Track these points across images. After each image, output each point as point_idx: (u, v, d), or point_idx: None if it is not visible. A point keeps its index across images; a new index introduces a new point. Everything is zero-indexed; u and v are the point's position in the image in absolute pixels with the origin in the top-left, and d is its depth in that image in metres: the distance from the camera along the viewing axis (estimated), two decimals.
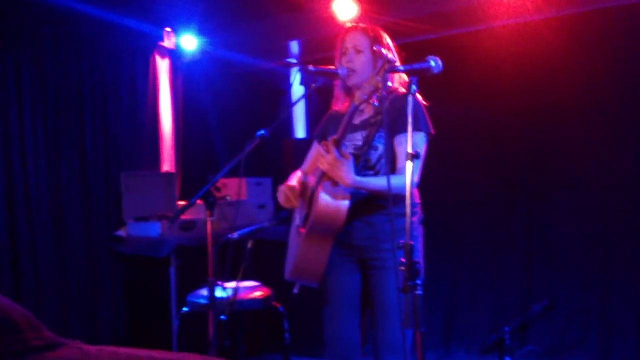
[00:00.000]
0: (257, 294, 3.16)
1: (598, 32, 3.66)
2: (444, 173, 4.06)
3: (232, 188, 4.14)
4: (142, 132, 4.28)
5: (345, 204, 2.13)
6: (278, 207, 4.51)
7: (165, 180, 4.25)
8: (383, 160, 2.23)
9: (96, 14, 3.74)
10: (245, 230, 2.98)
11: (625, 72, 3.63)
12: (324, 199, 2.12)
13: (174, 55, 4.51)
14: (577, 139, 3.81)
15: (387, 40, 2.36)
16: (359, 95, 2.08)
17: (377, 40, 2.30)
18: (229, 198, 3.97)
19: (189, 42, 4.37)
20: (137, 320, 4.03)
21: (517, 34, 3.80)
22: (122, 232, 3.97)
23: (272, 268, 2.74)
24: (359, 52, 2.29)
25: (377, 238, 2.24)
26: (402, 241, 1.69)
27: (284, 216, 3.16)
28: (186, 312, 3.17)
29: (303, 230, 2.24)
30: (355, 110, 2.13)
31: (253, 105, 4.87)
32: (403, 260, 1.67)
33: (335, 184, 2.14)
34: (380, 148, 2.24)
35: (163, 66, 4.49)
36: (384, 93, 2.04)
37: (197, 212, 3.85)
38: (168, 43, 4.41)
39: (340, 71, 2.32)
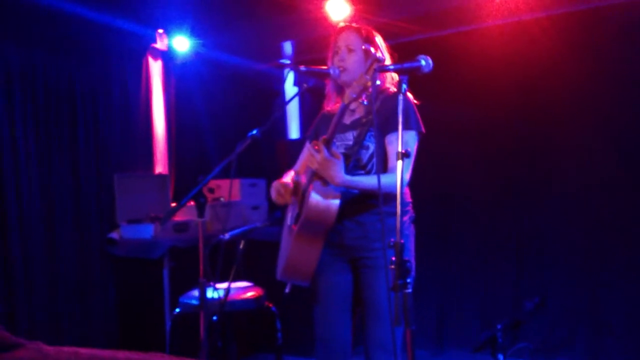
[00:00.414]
0: (250, 294, 3.16)
1: (589, 31, 3.68)
2: (435, 172, 4.08)
3: (226, 189, 4.14)
4: (135, 134, 4.27)
5: (335, 202, 2.13)
6: (272, 207, 4.54)
7: (158, 182, 4.25)
8: (374, 160, 2.23)
9: (88, 15, 3.73)
10: (237, 231, 2.98)
11: (617, 71, 3.64)
12: (315, 198, 2.12)
13: (167, 56, 4.50)
14: (568, 138, 3.83)
15: (379, 40, 2.37)
16: (348, 94, 2.08)
17: (369, 40, 2.31)
18: (222, 199, 3.97)
19: (182, 44, 4.36)
20: (130, 322, 4.02)
21: (508, 33, 3.81)
22: (115, 234, 3.95)
23: (265, 268, 2.74)
24: (350, 50, 2.30)
25: (367, 237, 2.24)
26: (392, 240, 1.69)
27: (277, 216, 3.16)
28: (178, 313, 3.16)
29: (294, 229, 2.24)
30: (345, 109, 2.13)
31: (246, 106, 4.86)
32: (393, 258, 1.67)
33: (325, 183, 2.14)
34: (371, 147, 2.24)
35: (155, 67, 4.48)
36: (373, 91, 2.04)
37: (190, 213, 3.85)
38: (160, 44, 4.41)
39: (331, 70, 2.32)
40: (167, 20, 4.24)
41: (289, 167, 2.57)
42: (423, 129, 2.27)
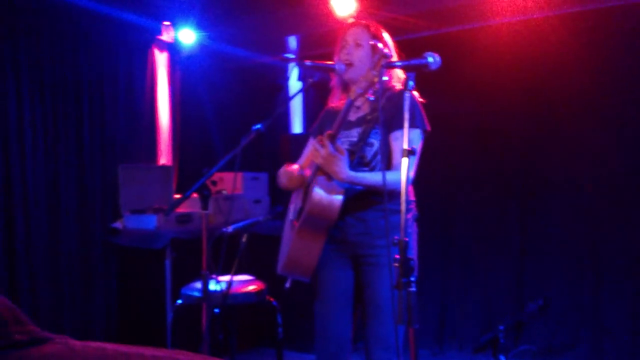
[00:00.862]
0: (251, 287, 3.17)
1: (598, 31, 3.66)
2: (439, 170, 4.07)
3: (229, 182, 4.15)
4: (140, 125, 4.28)
5: (338, 198, 2.13)
6: (273, 201, 4.54)
7: (162, 173, 4.26)
8: (378, 157, 2.23)
9: (95, 7, 3.74)
10: (240, 224, 2.98)
11: (625, 71, 3.63)
12: (318, 192, 2.12)
13: (172, 48, 4.50)
14: (574, 137, 3.82)
15: (387, 37, 2.36)
16: (354, 90, 2.07)
17: (377, 37, 2.30)
18: (224, 192, 3.98)
19: (187, 36, 4.36)
20: (131, 313, 4.03)
21: (516, 31, 3.80)
22: (118, 224, 3.97)
23: (267, 262, 2.74)
24: (358, 45, 2.30)
25: (369, 234, 2.24)
26: (396, 237, 1.68)
27: (279, 210, 3.16)
28: (180, 304, 3.17)
29: (296, 224, 2.24)
30: (351, 104, 2.13)
31: (250, 100, 4.86)
32: (397, 256, 1.67)
33: (329, 178, 2.14)
34: (376, 144, 2.24)
35: (161, 60, 4.48)
36: (379, 87, 2.04)
37: (193, 205, 3.86)
38: (166, 37, 4.41)
39: (337, 66, 2.32)
40: (173, 12, 4.24)
41: (291, 161, 2.57)
42: (428, 128, 2.26)
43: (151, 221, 3.84)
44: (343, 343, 2.33)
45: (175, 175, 4.44)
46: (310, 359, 3.60)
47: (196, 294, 3.08)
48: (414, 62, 1.90)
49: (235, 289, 3.08)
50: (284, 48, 4.72)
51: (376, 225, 2.23)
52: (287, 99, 4.91)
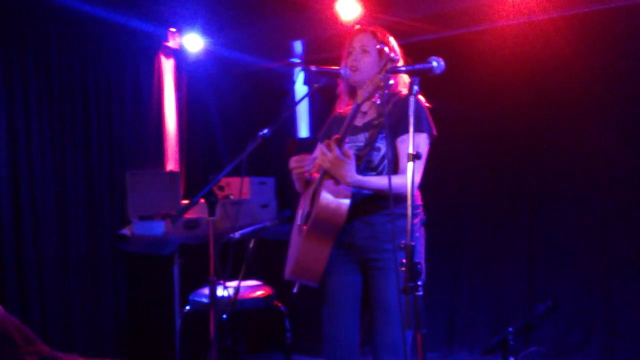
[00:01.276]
0: (259, 293, 3.17)
1: (603, 32, 3.65)
2: (445, 173, 4.06)
3: (236, 187, 4.16)
4: (147, 131, 4.30)
5: (345, 202, 2.13)
6: (281, 206, 4.54)
7: (169, 179, 4.27)
8: (385, 161, 2.23)
9: (101, 14, 3.76)
10: (247, 230, 2.99)
11: (631, 72, 3.61)
12: (325, 197, 2.13)
13: (179, 55, 4.52)
14: (581, 139, 3.80)
15: (394, 43, 2.37)
16: (361, 94, 2.08)
17: (384, 42, 2.31)
18: (232, 197, 3.99)
19: (193, 42, 4.38)
20: (140, 319, 4.04)
21: (521, 33, 3.79)
22: (126, 231, 3.98)
23: (274, 267, 2.74)
24: (365, 52, 2.31)
25: (377, 238, 2.24)
26: (403, 241, 1.68)
27: (286, 215, 3.16)
28: (188, 310, 3.17)
29: (304, 229, 2.24)
30: (358, 109, 2.13)
31: (256, 105, 4.88)
32: (404, 260, 1.66)
33: (337, 182, 2.14)
34: (383, 149, 2.24)
35: (167, 66, 4.50)
36: (386, 91, 2.04)
37: (201, 211, 3.87)
38: (172, 43, 4.43)
39: (342, 71, 2.32)
40: (180, 19, 4.27)
41: None
42: (435, 132, 2.26)
43: (159, 227, 3.85)
44: (351, 348, 2.32)
45: (183, 181, 4.45)
46: None
47: (204, 300, 3.08)
48: (418, 66, 1.90)
49: (243, 294, 3.08)
50: (290, 53, 4.74)
51: (384, 229, 2.23)
52: (293, 103, 4.93)
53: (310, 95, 2.59)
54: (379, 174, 2.25)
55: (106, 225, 3.99)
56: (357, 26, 2.43)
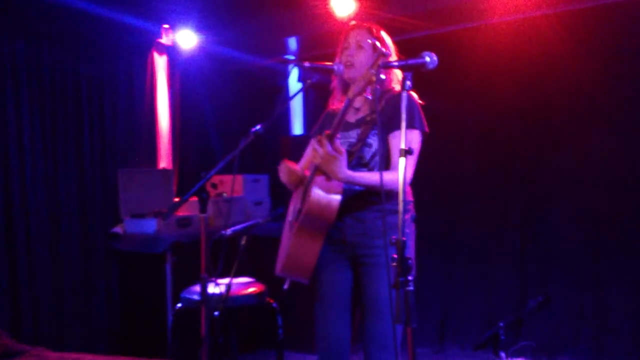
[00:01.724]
0: (251, 289, 3.15)
1: (596, 28, 3.65)
2: (438, 170, 4.06)
3: (229, 184, 4.14)
4: (139, 129, 4.28)
5: (337, 198, 2.12)
6: (275, 203, 4.53)
7: (162, 176, 4.25)
8: (377, 158, 2.22)
9: (94, 10, 3.73)
10: (239, 227, 2.97)
11: (625, 68, 3.62)
12: (316, 192, 2.12)
13: (172, 51, 4.50)
14: (573, 136, 3.81)
15: (388, 40, 2.36)
16: (352, 89, 2.07)
17: (378, 38, 2.30)
18: (225, 194, 3.97)
19: (187, 39, 4.36)
20: (132, 316, 4.03)
21: (514, 30, 3.79)
22: (118, 229, 3.96)
23: (266, 264, 2.73)
24: (360, 48, 2.30)
25: (367, 234, 2.23)
26: (394, 237, 1.67)
27: (279, 212, 3.15)
28: (180, 308, 3.16)
29: (295, 225, 2.23)
30: (349, 104, 2.12)
31: (250, 102, 4.86)
32: (395, 256, 1.66)
33: (328, 178, 2.13)
34: (374, 145, 2.24)
35: (160, 63, 4.48)
36: (377, 87, 2.03)
37: (193, 208, 3.86)
38: (165, 40, 4.41)
39: (335, 67, 2.32)
40: (173, 15, 4.25)
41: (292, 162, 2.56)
42: (427, 129, 2.26)
43: (151, 225, 3.83)
44: (343, 344, 2.32)
45: (176, 179, 4.44)
46: None
47: (195, 297, 3.06)
48: (411, 61, 1.88)
49: (234, 291, 3.07)
50: (284, 49, 4.73)
51: (374, 225, 2.22)
52: (287, 100, 4.91)
53: (304, 91, 2.57)
54: (371, 169, 2.24)
55: (98, 223, 3.97)
56: (353, 22, 2.42)
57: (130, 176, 4.03)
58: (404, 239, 1.67)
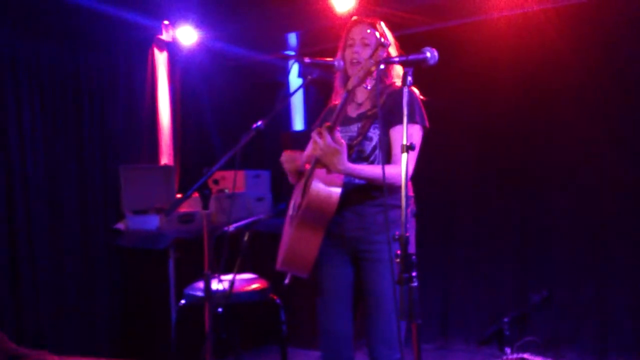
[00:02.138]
0: (254, 286, 3.16)
1: (597, 23, 3.64)
2: (439, 165, 4.07)
3: (231, 180, 4.15)
4: (140, 125, 4.28)
5: (337, 190, 2.11)
6: (276, 198, 4.54)
7: (163, 173, 4.26)
8: (377, 151, 2.22)
9: (94, 6, 3.73)
10: (242, 223, 2.98)
11: (625, 64, 3.61)
12: (316, 185, 2.11)
13: (172, 47, 4.49)
14: (573, 131, 3.81)
15: (390, 35, 2.37)
16: (351, 80, 2.06)
17: (382, 35, 2.30)
18: (227, 190, 3.98)
19: (187, 35, 4.36)
20: (135, 314, 4.03)
21: (515, 25, 3.79)
22: (120, 225, 3.97)
23: (269, 260, 2.74)
24: (365, 45, 2.30)
25: (366, 229, 2.23)
26: (397, 232, 1.68)
27: (281, 208, 3.16)
28: (183, 304, 3.17)
29: (295, 218, 2.23)
30: (348, 95, 2.11)
31: (251, 98, 4.86)
32: (398, 252, 1.66)
33: (329, 171, 2.13)
34: (375, 139, 2.24)
35: (161, 59, 4.48)
36: (377, 76, 2.03)
37: (195, 204, 3.86)
38: (166, 35, 4.40)
39: (336, 62, 2.32)
40: (173, 11, 4.24)
41: None
42: (427, 124, 2.26)
43: (153, 222, 3.84)
44: (345, 339, 2.33)
45: (177, 175, 4.44)
46: (315, 356, 3.61)
47: (199, 293, 3.08)
48: (411, 57, 1.88)
49: (238, 287, 3.08)
50: (284, 45, 4.72)
51: (373, 220, 2.23)
52: (287, 96, 4.91)
53: (304, 87, 2.58)
54: (371, 163, 2.24)
55: (100, 219, 3.97)
56: (355, 17, 2.42)
57: (131, 172, 4.03)
58: (408, 234, 1.67)
